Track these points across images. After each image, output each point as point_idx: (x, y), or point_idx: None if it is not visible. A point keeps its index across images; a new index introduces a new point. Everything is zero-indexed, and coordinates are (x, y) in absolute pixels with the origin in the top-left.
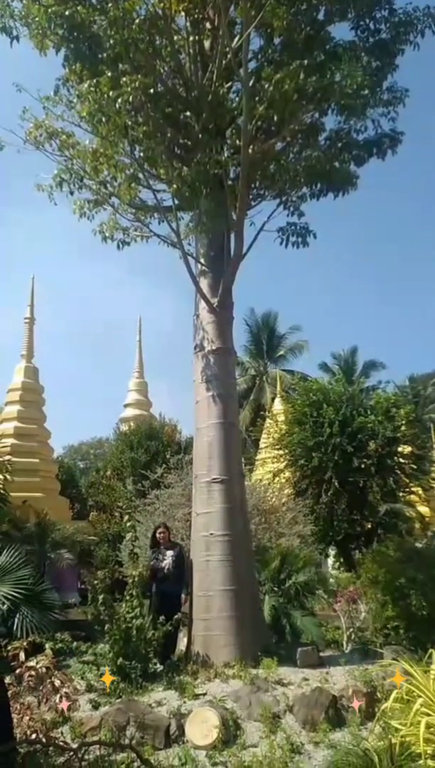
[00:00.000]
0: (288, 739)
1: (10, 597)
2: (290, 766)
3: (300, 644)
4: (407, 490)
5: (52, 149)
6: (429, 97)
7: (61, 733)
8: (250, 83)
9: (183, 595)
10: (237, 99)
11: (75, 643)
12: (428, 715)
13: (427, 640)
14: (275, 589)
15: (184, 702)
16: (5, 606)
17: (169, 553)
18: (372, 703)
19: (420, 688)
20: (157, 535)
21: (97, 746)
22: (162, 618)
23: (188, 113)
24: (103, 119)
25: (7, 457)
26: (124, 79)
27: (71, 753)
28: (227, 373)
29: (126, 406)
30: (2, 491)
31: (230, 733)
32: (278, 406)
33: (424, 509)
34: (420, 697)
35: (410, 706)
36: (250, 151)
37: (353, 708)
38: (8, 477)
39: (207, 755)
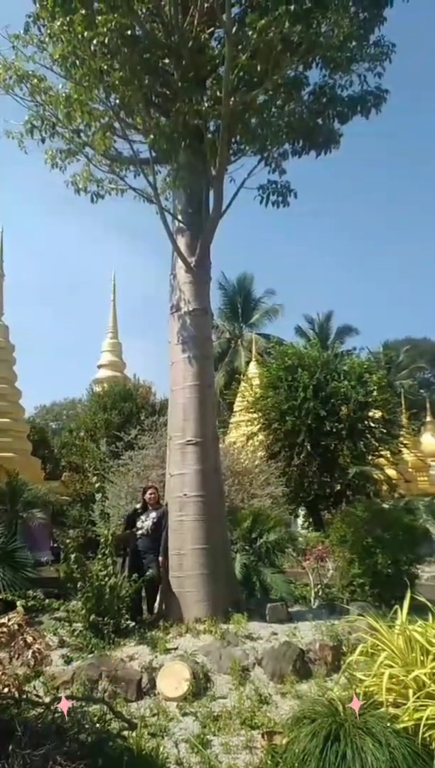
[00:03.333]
0: (256, 691)
1: None
2: (258, 716)
3: (269, 600)
4: (376, 453)
5: (23, 93)
6: (416, 59)
7: (34, 687)
8: (233, 29)
9: (160, 558)
10: (219, 47)
11: (47, 601)
12: (391, 667)
13: (391, 597)
14: (247, 547)
15: (156, 656)
16: None
17: (153, 514)
18: (338, 656)
19: (384, 642)
20: (147, 496)
21: (70, 700)
22: (135, 575)
23: (167, 60)
24: (77, 62)
25: None
26: (99, 18)
27: (44, 707)
28: (204, 334)
29: (100, 366)
30: None
31: (201, 685)
32: (253, 369)
33: (391, 472)
34: (384, 650)
35: (374, 659)
36: (231, 102)
37: (319, 661)
38: None
39: (178, 706)
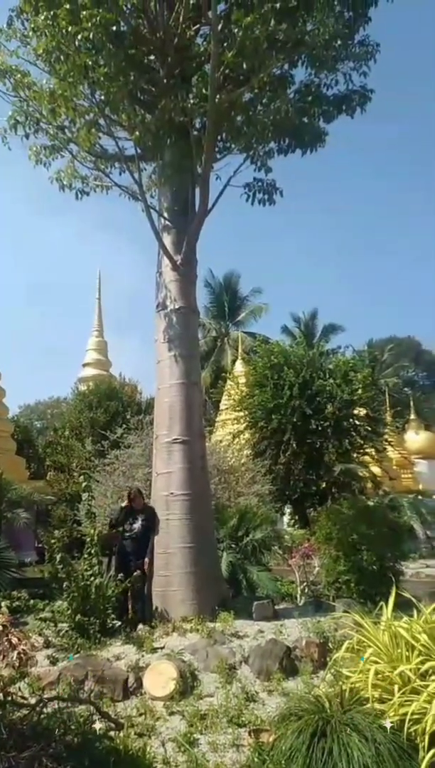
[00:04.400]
0: (243, 689)
1: None
2: (245, 714)
3: (256, 598)
4: (361, 451)
5: (6, 88)
6: (399, 57)
7: (19, 688)
8: (219, 26)
9: (146, 559)
10: (204, 44)
11: (32, 601)
12: (377, 663)
13: (377, 593)
14: (233, 545)
15: (143, 656)
16: None
17: (141, 516)
18: (324, 653)
19: (370, 638)
20: (131, 501)
21: (56, 701)
22: (120, 575)
23: (153, 57)
24: (61, 57)
25: None
26: (83, 13)
27: (29, 708)
28: (190, 332)
29: (85, 365)
30: None
31: (187, 684)
32: (239, 368)
33: (376, 469)
34: (370, 647)
35: (360, 656)
36: (217, 99)
37: (306, 658)
38: None
39: (164, 706)
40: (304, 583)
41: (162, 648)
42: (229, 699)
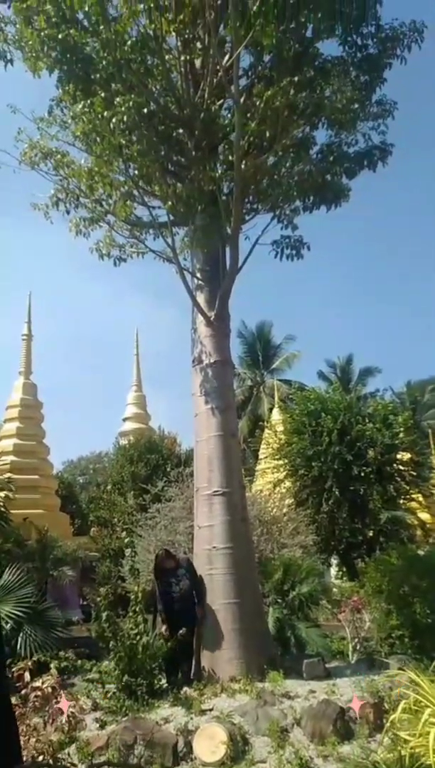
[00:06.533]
0: (297, 754)
1: (13, 616)
2: None
3: (305, 656)
4: (407, 497)
5: (48, 169)
6: (419, 108)
7: (68, 754)
8: (242, 100)
9: (197, 609)
10: (229, 116)
11: (79, 661)
12: None
13: (433, 648)
14: (279, 600)
15: (191, 718)
16: (8, 625)
17: (181, 571)
18: (380, 713)
19: (427, 697)
20: (161, 563)
21: (105, 766)
22: (166, 632)
23: (181, 131)
24: (98, 139)
25: (7, 475)
26: (117, 99)
27: None
28: (226, 385)
29: (125, 419)
30: (3, 509)
31: (238, 748)
32: (276, 416)
33: (425, 516)
34: (428, 707)
35: (418, 717)
36: (242, 166)
37: (361, 720)
38: (9, 495)
39: None
40: (356, 639)
41: (211, 710)
42: (282, 765)
